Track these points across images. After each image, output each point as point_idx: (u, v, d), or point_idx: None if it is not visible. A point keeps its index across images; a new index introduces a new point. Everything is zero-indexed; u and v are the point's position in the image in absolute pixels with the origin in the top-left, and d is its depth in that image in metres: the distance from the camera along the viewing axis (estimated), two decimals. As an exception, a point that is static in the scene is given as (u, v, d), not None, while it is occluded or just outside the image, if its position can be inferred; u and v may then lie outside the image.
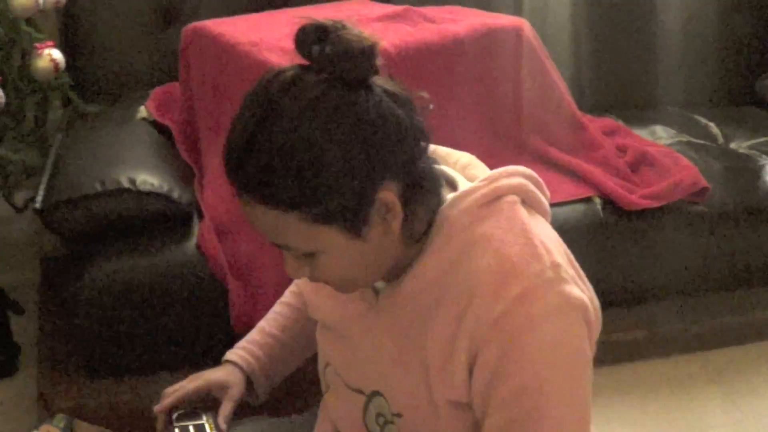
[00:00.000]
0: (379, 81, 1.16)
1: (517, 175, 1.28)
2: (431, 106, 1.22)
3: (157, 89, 2.79)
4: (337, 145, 1.10)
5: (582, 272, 1.29)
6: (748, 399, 2.64)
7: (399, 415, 1.31)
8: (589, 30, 3.23)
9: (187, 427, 1.48)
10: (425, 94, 1.22)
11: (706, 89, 3.40)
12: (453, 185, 1.28)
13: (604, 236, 2.60)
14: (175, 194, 2.27)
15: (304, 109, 1.10)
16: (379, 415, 1.35)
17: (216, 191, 2.36)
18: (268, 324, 1.64)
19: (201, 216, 2.35)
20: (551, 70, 2.81)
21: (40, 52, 2.57)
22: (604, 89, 3.24)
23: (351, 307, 1.35)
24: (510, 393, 1.17)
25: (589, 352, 1.24)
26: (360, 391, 1.37)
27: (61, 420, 1.97)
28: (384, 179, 1.14)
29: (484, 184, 1.24)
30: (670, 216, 2.65)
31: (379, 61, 1.14)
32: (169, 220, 2.30)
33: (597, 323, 1.29)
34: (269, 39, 2.40)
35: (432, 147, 1.31)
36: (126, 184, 2.22)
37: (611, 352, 2.68)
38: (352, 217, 1.14)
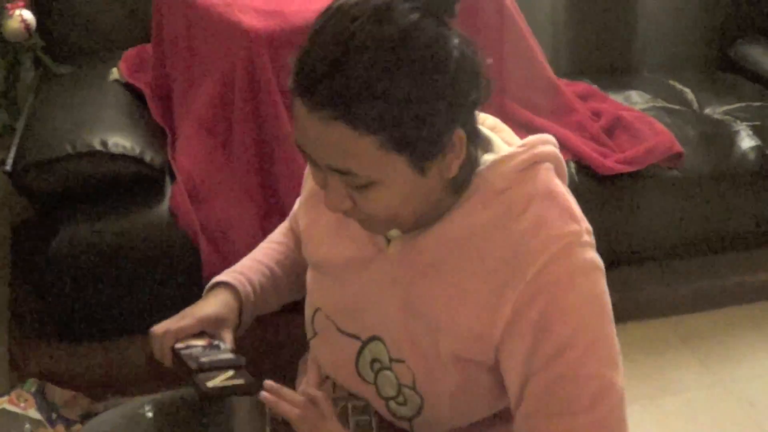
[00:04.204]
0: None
1: (549, 143, 1.32)
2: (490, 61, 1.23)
3: (130, 51, 2.76)
4: (430, 74, 1.10)
5: None
6: (722, 363, 2.66)
7: (400, 361, 1.32)
8: (565, -7, 3.23)
9: (196, 347, 1.42)
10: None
11: (682, 55, 3.40)
12: (487, 146, 1.29)
13: (578, 200, 2.58)
14: (147, 156, 2.25)
15: (401, 33, 1.09)
16: (374, 360, 1.35)
17: (190, 154, 2.34)
18: (260, 255, 1.62)
19: (173, 178, 2.33)
20: (527, 34, 2.79)
21: (10, 12, 2.53)
22: (579, 53, 3.23)
23: (357, 250, 1.35)
24: (554, 348, 1.20)
25: None
26: (355, 336, 1.37)
27: (32, 385, 1.96)
28: (461, 118, 1.16)
29: (522, 150, 1.27)
30: (645, 181, 2.65)
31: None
32: (141, 182, 2.28)
33: None
34: (243, -1, 2.37)
35: None
36: (98, 146, 2.20)
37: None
38: (427, 150, 1.13)
